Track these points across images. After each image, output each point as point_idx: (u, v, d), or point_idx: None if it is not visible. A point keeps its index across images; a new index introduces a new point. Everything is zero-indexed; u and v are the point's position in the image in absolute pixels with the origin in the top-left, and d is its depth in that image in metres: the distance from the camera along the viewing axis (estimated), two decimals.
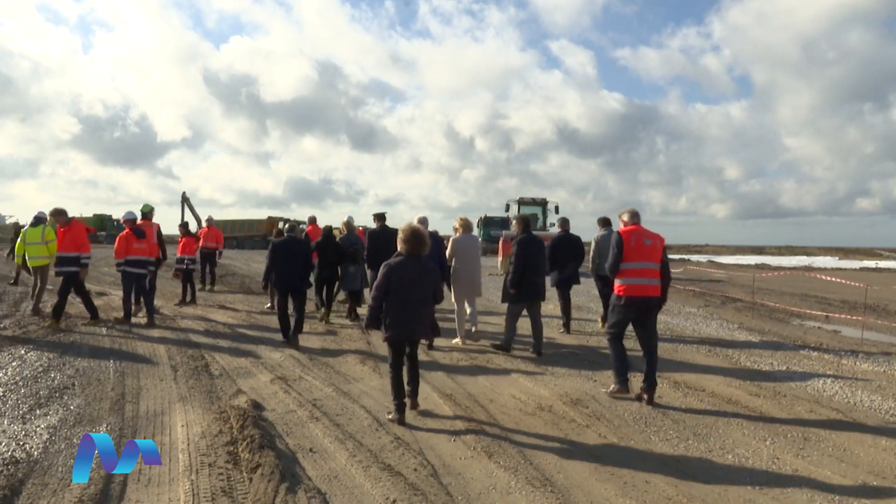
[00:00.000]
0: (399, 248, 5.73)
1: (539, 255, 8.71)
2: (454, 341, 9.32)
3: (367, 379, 7.08)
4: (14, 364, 7.54)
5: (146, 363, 7.79)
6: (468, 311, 9.62)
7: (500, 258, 23.70)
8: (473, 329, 9.75)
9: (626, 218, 6.67)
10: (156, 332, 9.88)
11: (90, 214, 58.44)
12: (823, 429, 5.62)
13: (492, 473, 4.46)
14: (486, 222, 38.41)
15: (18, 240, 13.15)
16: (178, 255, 13.77)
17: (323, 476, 4.35)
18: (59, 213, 10.43)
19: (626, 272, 6.38)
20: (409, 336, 5.79)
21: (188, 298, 13.54)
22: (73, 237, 10.36)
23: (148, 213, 12.03)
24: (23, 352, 8.24)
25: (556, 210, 27.70)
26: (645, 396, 6.30)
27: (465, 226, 9.51)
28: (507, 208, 28.78)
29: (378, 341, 9.14)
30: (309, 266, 9.54)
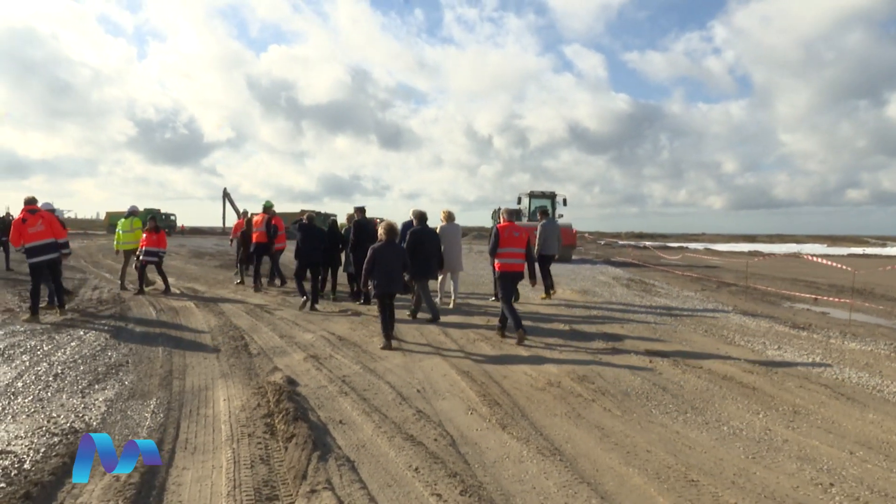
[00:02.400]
0: (380, 236, 7.88)
1: (431, 243, 9.83)
2: (448, 304, 11.10)
3: (392, 357, 7.10)
4: (73, 344, 7.65)
5: (191, 343, 7.87)
6: (450, 282, 11.28)
7: None
8: (451, 304, 11.10)
9: (504, 216, 8.60)
10: (199, 315, 9.98)
11: (141, 209, 59.07)
12: (813, 403, 5.55)
13: (505, 443, 4.46)
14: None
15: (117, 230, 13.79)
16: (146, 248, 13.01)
17: (351, 445, 4.37)
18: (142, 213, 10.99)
19: (502, 255, 8.29)
20: (389, 291, 7.84)
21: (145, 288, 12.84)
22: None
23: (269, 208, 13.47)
24: (82, 333, 8.35)
25: (565, 202, 27.46)
26: (521, 333, 7.92)
27: (449, 217, 11.00)
28: (520, 201, 28.59)
29: (402, 324, 9.22)
30: (324, 247, 11.08)
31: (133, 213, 13.87)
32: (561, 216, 26.96)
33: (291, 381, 5.96)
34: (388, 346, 7.55)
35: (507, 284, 8.31)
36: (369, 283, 7.87)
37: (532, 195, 28.08)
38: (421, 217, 9.96)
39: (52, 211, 10.57)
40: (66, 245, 9.81)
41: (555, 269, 19.11)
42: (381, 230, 7.96)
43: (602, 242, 50.55)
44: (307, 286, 11.07)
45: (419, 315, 9.91)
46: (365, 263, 7.79)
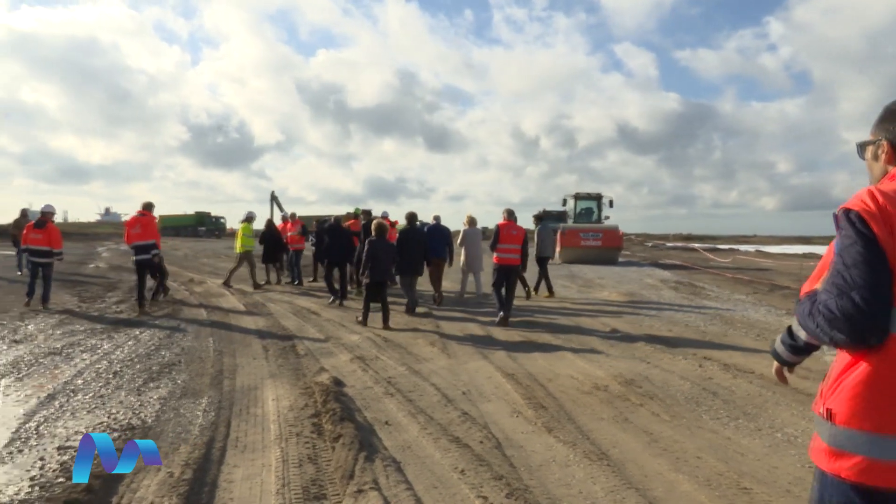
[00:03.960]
0: (373, 234, 9.43)
1: (418, 242, 10.86)
2: (467, 296, 12.48)
3: (437, 359, 7.12)
4: (130, 343, 7.91)
5: (241, 344, 8.04)
6: (471, 278, 12.56)
7: (558, 249, 23.45)
8: (476, 294, 12.39)
9: (504, 216, 9.84)
10: (248, 316, 10.19)
11: (192, 212, 60.64)
12: None
13: (551, 447, 4.43)
14: (545, 216, 38.02)
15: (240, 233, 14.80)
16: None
17: (397, 446, 4.40)
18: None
19: (500, 250, 9.56)
20: (381, 279, 9.36)
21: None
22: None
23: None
24: (137, 332, 8.63)
25: (611, 204, 27.13)
26: (502, 316, 9.35)
27: (471, 221, 12.48)
28: (564, 202, 28.36)
29: (447, 326, 9.28)
30: (351, 248, 11.76)
31: (250, 218, 15.06)
32: (607, 218, 26.64)
33: (338, 382, 6.03)
34: (363, 324, 9.30)
35: (500, 276, 9.55)
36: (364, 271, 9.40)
37: (577, 196, 27.83)
38: (410, 218, 11.27)
39: (52, 213, 11.51)
40: (153, 246, 10.72)
41: (600, 271, 18.91)
42: (374, 229, 9.51)
43: (649, 244, 49.72)
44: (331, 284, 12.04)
45: (430, 310, 10.11)
46: (364, 255, 9.38)
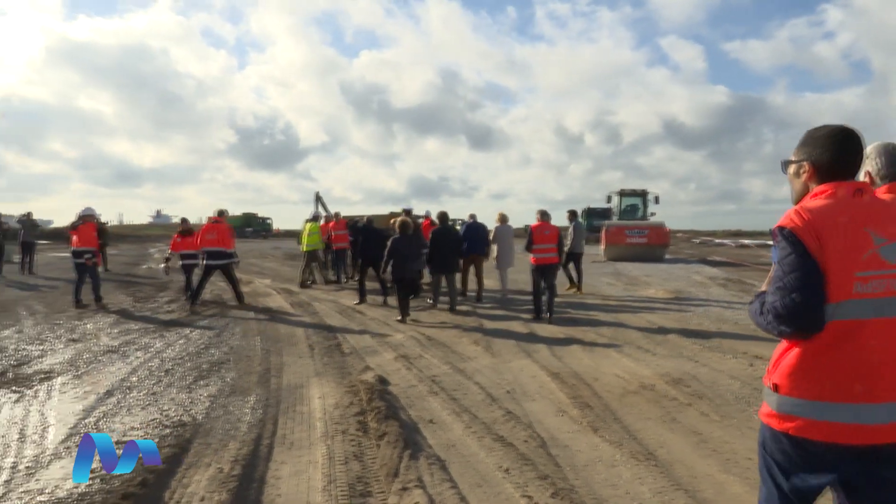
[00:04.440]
0: (397, 232, 9.92)
1: (451, 241, 11.10)
2: (498, 295, 12.53)
3: (480, 358, 7.12)
4: (181, 342, 8.13)
5: (287, 342, 8.19)
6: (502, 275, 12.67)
7: (602, 247, 23.17)
8: (501, 291, 12.63)
9: (538, 217, 10.23)
10: (294, 315, 10.37)
11: (239, 213, 61.95)
12: None
13: (597, 447, 4.38)
14: (589, 213, 37.56)
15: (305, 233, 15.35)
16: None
17: (441, 445, 4.42)
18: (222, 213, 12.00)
19: (536, 250, 9.87)
20: (404, 276, 9.79)
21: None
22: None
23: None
24: (188, 331, 8.87)
25: (657, 200, 26.67)
26: (548, 316, 9.68)
27: (502, 218, 12.85)
28: (609, 199, 28.02)
29: (490, 324, 9.27)
30: (384, 247, 11.68)
31: (315, 217, 15.77)
32: (653, 214, 26.19)
33: (382, 380, 6.09)
34: (402, 321, 9.62)
35: (538, 276, 9.89)
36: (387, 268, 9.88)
37: (622, 193, 27.46)
38: (442, 217, 11.51)
39: (95, 217, 12.18)
40: (232, 255, 11.50)
41: (646, 268, 18.60)
42: (397, 227, 10.06)
43: (697, 241, 48.69)
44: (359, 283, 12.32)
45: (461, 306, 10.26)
46: (386, 253, 9.83)
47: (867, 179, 2.37)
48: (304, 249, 15.02)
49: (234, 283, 11.67)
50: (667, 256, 23.16)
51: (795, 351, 1.95)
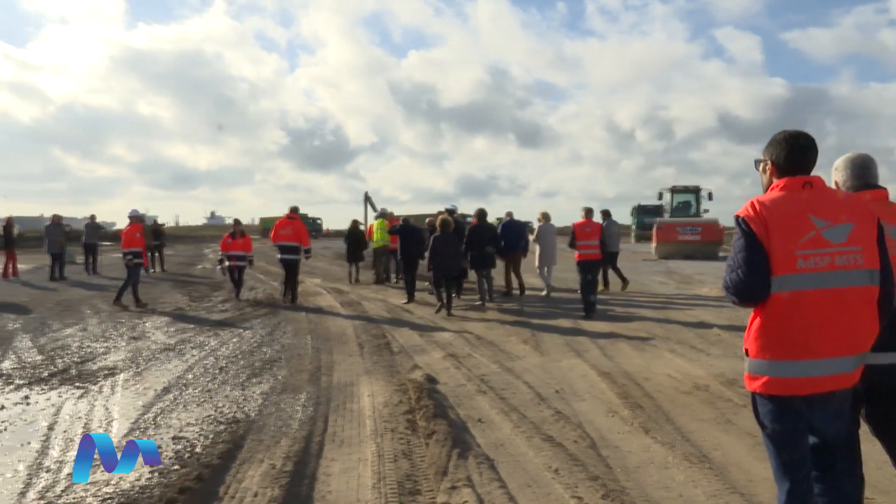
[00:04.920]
0: (437, 229, 10.54)
1: (487, 238, 11.39)
2: (543, 293, 12.56)
3: (529, 357, 7.08)
4: (234, 340, 8.34)
5: (337, 341, 8.30)
6: (546, 273, 12.77)
7: (654, 244, 22.74)
8: (546, 290, 12.58)
9: (582, 214, 10.58)
10: (344, 314, 10.52)
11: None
12: None
13: (649, 448, 4.31)
14: (640, 210, 36.85)
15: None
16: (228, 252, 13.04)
17: (490, 444, 4.41)
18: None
19: (579, 246, 10.14)
20: (444, 273, 10.28)
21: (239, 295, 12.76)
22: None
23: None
24: (241, 330, 9.09)
25: (710, 196, 25.90)
26: (586, 314, 9.79)
27: (545, 217, 12.98)
28: (661, 196, 27.36)
29: (539, 323, 9.22)
30: (423, 245, 11.91)
31: (383, 214, 16.35)
32: (706, 211, 25.52)
33: (431, 379, 6.11)
34: (439, 310, 10.26)
35: (584, 272, 10.10)
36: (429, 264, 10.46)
37: (674, 190, 26.81)
38: (480, 215, 11.90)
39: (141, 218, 12.45)
40: (307, 251, 12.07)
41: (700, 266, 18.19)
42: (437, 225, 10.63)
43: None
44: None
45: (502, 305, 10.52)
46: (429, 251, 10.41)
47: (835, 188, 2.80)
48: (374, 246, 15.33)
49: (295, 281, 12.02)
50: (721, 254, 22.57)
51: (757, 320, 2.34)
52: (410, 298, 11.77)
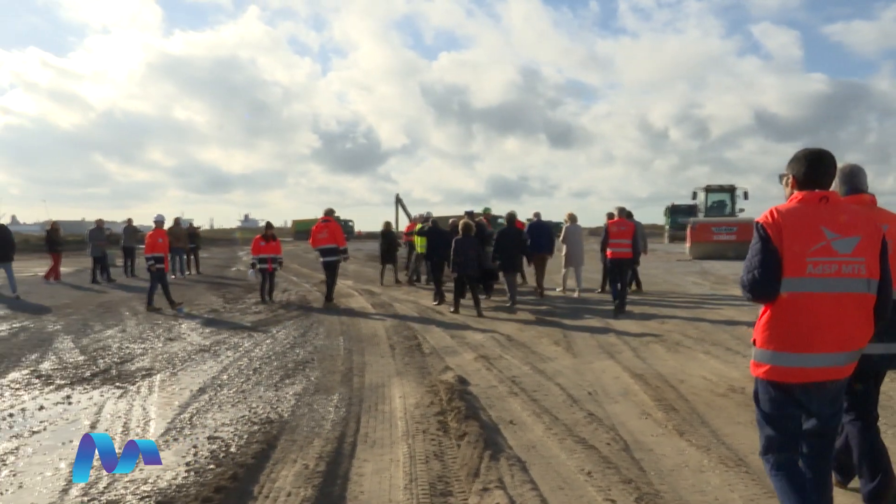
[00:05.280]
0: (460, 233, 10.72)
1: (514, 241, 11.63)
2: (557, 290, 13.01)
3: (561, 359, 7.04)
4: (268, 342, 8.45)
5: (369, 342, 8.35)
6: (573, 274, 12.91)
7: (688, 244, 22.40)
8: (575, 290, 12.78)
9: (615, 214, 11.20)
10: (376, 316, 10.58)
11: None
12: None
13: (683, 451, 4.24)
14: (673, 210, 36.29)
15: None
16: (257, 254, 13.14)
17: (522, 446, 4.39)
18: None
19: (612, 245, 10.46)
20: (465, 272, 10.58)
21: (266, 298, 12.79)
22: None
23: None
24: (274, 331, 9.20)
25: (745, 196, 25.39)
26: (618, 304, 10.17)
27: (572, 218, 13.13)
28: (695, 196, 26.89)
29: (571, 324, 9.15)
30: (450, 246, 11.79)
31: (427, 218, 16.15)
32: (741, 210, 25.07)
33: (462, 381, 6.11)
34: (455, 311, 10.66)
35: (614, 269, 10.54)
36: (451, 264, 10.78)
37: (708, 189, 26.34)
38: (510, 218, 12.06)
39: (162, 223, 12.61)
40: (344, 251, 12.27)
41: (736, 266, 17.81)
42: (460, 228, 10.93)
43: None
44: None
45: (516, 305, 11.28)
46: (452, 252, 10.63)
47: None
48: (419, 251, 15.31)
49: (333, 281, 12.22)
50: None
51: (767, 315, 2.67)
52: (440, 299, 11.87)
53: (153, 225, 12.45)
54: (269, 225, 13.59)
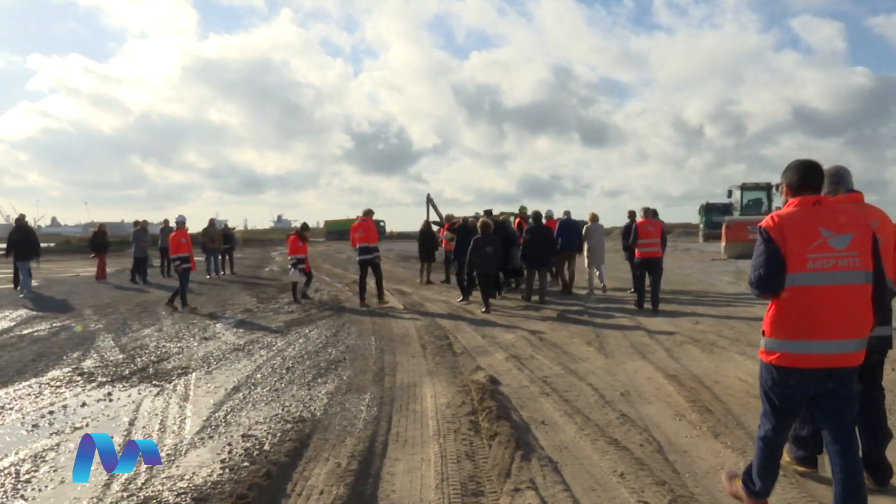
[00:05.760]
0: (479, 231, 11.05)
1: (543, 238, 11.65)
2: (584, 292, 13.04)
3: (593, 359, 6.98)
4: (300, 341, 8.54)
5: (401, 342, 8.39)
6: (597, 273, 13.21)
7: (723, 244, 22.02)
8: (601, 288, 13.14)
9: (641, 213, 11.08)
10: (407, 315, 10.62)
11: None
12: None
13: (718, 453, 4.18)
14: (708, 209, 35.69)
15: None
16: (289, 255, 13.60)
17: (553, 446, 4.37)
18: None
19: (640, 245, 10.56)
20: (484, 271, 10.94)
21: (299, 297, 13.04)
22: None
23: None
24: (307, 331, 9.30)
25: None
26: (651, 307, 10.31)
27: (593, 218, 13.43)
28: (730, 194, 26.41)
29: (602, 323, 9.09)
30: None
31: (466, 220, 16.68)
32: (778, 208, 24.55)
33: (494, 381, 6.10)
34: (487, 312, 10.63)
35: (642, 268, 10.72)
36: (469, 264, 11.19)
37: (744, 187, 25.86)
38: (536, 217, 12.18)
39: (184, 223, 12.57)
40: (375, 249, 12.19)
41: None
42: (479, 227, 11.21)
43: None
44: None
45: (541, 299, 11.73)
46: (469, 251, 10.98)
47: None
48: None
49: (380, 278, 12.36)
50: None
51: (774, 307, 2.99)
52: (466, 297, 12.16)
53: (174, 226, 12.73)
54: (305, 226, 13.80)
